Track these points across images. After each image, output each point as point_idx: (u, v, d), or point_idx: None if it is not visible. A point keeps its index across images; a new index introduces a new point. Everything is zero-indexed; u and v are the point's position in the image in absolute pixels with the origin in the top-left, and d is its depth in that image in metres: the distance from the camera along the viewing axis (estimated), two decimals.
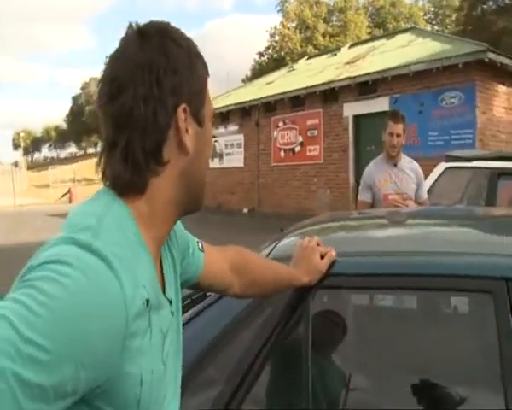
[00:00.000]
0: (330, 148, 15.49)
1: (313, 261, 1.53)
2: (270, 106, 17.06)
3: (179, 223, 1.13)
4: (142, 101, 0.87)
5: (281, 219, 15.44)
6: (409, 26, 35.59)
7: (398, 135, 4.02)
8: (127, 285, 0.78)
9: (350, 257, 1.63)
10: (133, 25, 0.93)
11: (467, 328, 1.91)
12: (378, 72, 13.67)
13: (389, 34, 21.08)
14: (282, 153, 17.16)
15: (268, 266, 1.48)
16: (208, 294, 1.73)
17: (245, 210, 17.22)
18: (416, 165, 4.19)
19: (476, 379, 1.58)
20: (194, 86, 0.94)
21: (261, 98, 17.38)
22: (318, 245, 1.60)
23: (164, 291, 0.97)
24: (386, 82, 13.50)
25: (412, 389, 1.54)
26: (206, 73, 1.00)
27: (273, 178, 17.43)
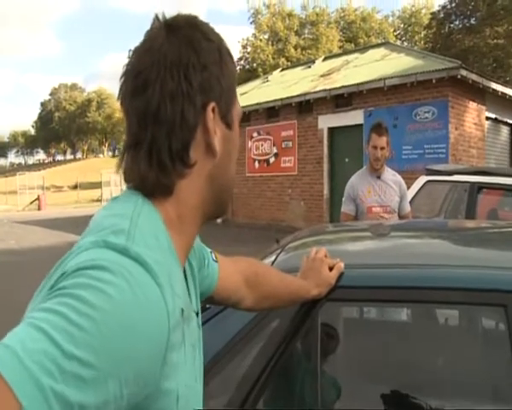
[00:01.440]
0: (305, 159, 15.57)
1: (322, 273, 1.51)
2: (244, 116, 17.08)
3: None
4: (169, 97, 0.82)
5: (255, 230, 15.44)
6: (379, 41, 36.25)
7: (381, 148, 4.02)
8: (167, 294, 0.72)
9: (357, 269, 1.63)
10: (159, 17, 0.88)
11: (478, 342, 1.92)
12: (353, 85, 13.81)
13: (362, 48, 21.41)
14: (257, 164, 17.19)
15: (280, 278, 1.44)
16: (208, 305, 1.69)
17: (218, 220, 17.15)
18: (399, 178, 4.20)
19: (489, 394, 1.59)
20: (224, 84, 0.89)
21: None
22: (326, 256, 1.59)
23: (190, 302, 0.93)
24: (362, 95, 13.66)
25: (427, 403, 1.53)
26: (235, 71, 0.96)
27: (247, 188, 17.43)
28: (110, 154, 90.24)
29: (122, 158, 0.88)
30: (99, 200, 34.42)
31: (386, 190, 4.07)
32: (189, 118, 0.84)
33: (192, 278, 1.01)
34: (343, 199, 4.23)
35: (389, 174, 4.17)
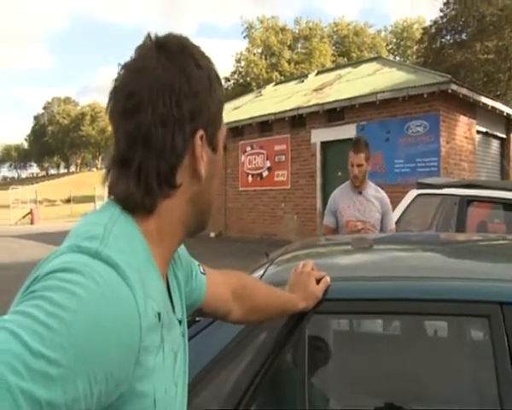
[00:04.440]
0: (298, 173, 15.60)
1: (309, 287, 1.53)
2: (237, 131, 17.13)
3: (183, 246, 1.11)
4: (160, 123, 0.84)
5: (248, 244, 15.40)
6: (372, 55, 36.55)
7: (358, 165, 3.99)
8: (139, 295, 0.75)
9: (345, 282, 1.64)
10: (151, 35, 0.90)
11: (465, 352, 1.94)
12: (346, 99, 13.88)
13: (355, 63, 21.58)
14: (250, 177, 17.20)
15: (269, 291, 1.46)
16: (197, 318, 1.70)
17: (212, 234, 17.13)
18: (382, 194, 4.15)
19: (473, 402, 1.60)
20: (213, 110, 0.92)
21: (229, 123, 17.47)
22: (313, 269, 1.60)
23: (173, 310, 0.95)
24: (354, 109, 13.73)
25: None
26: (223, 95, 0.98)
27: (241, 202, 17.43)
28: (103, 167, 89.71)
29: (108, 172, 0.90)
30: None
31: (366, 206, 4.04)
32: (179, 144, 0.86)
33: (177, 287, 1.03)
34: (325, 211, 4.27)
35: (371, 190, 4.13)
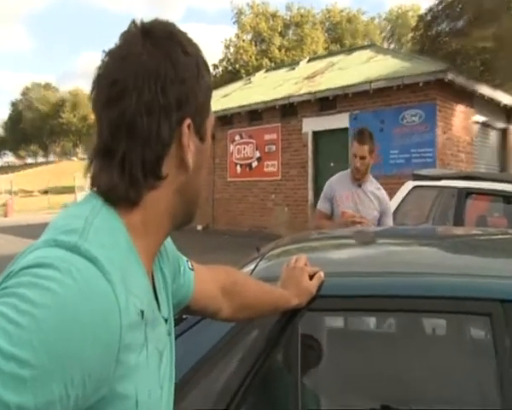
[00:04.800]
0: (289, 164, 15.61)
1: (302, 283, 1.52)
2: (226, 119, 17.08)
3: (170, 240, 1.10)
4: (145, 110, 0.84)
5: (237, 238, 15.39)
6: (365, 42, 36.57)
7: (362, 157, 3.94)
8: (119, 291, 0.73)
9: (340, 278, 1.64)
10: (137, 21, 0.90)
11: (465, 351, 1.94)
12: (339, 88, 13.89)
13: (348, 50, 21.54)
14: (239, 168, 17.19)
15: (260, 287, 1.46)
16: (185, 316, 1.68)
17: (199, 227, 17.10)
18: (382, 193, 4.10)
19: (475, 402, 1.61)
20: (200, 99, 0.92)
21: (217, 111, 17.42)
22: (306, 265, 1.60)
23: (159, 308, 0.95)
24: (347, 98, 13.74)
25: None
26: (211, 82, 0.98)
27: (229, 193, 17.41)
28: (85, 157, 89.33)
29: (90, 163, 0.89)
30: None
31: (364, 201, 3.99)
32: (165, 133, 0.86)
33: (163, 284, 1.03)
34: (320, 196, 4.22)
35: (372, 186, 4.09)
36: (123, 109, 0.84)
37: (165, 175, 0.88)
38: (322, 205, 4.14)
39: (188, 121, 0.89)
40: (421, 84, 12.18)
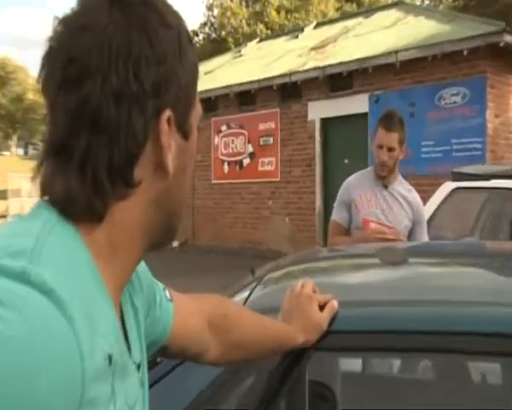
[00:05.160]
0: (291, 161, 15.63)
1: (310, 314, 1.55)
2: (209, 103, 17.07)
3: (143, 263, 1.11)
4: (113, 98, 0.82)
5: (223, 256, 15.36)
6: (390, 0, 36.64)
7: (390, 149, 3.89)
8: (82, 330, 0.72)
9: (358, 308, 1.66)
10: None
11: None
12: (355, 61, 13.90)
13: (367, 11, 21.54)
14: (226, 166, 17.19)
15: (256, 321, 1.48)
16: (160, 359, 1.70)
17: (175, 243, 17.05)
18: (415, 196, 4.07)
19: None
20: (184, 84, 0.91)
21: (198, 93, 17.33)
22: (314, 291, 1.62)
23: (129, 352, 0.94)
24: (366, 75, 13.76)
25: None
26: (197, 62, 0.98)
27: (214, 200, 17.40)
28: (20, 151, 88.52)
29: (41, 163, 0.87)
30: (3, 216, 31.13)
31: (393, 207, 3.94)
32: (138, 128, 0.85)
33: (135, 321, 1.03)
34: (335, 204, 4.16)
35: (402, 188, 4.06)
36: (84, 96, 0.82)
37: (139, 181, 0.87)
38: (338, 214, 4.08)
39: (167, 113, 0.88)
40: (465, 53, 12.01)
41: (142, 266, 1.12)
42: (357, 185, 4.05)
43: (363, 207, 3.95)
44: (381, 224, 3.87)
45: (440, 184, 6.16)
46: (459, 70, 12.36)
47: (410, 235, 3.96)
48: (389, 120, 3.96)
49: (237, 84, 16.63)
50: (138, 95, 0.85)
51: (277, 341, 1.50)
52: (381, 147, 3.91)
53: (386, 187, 3.99)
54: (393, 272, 2.26)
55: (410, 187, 4.11)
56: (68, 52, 0.84)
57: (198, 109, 1.00)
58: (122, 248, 0.89)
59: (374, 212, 3.93)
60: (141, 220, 0.91)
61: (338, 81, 14.47)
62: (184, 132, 0.94)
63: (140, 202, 0.90)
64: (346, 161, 14.06)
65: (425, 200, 5.49)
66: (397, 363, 2.33)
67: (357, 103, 13.99)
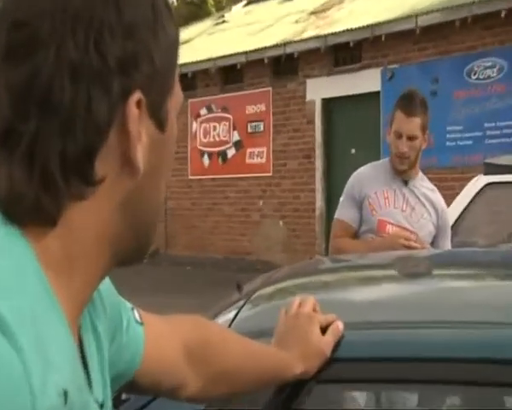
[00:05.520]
0: (285, 152, 15.64)
1: (311, 338, 1.55)
2: (186, 81, 17.03)
3: (108, 280, 1.10)
4: (68, 72, 0.80)
5: (203, 269, 15.32)
6: None
7: (411, 137, 3.85)
8: (32, 362, 0.71)
9: (368, 331, 1.67)
10: None
11: None
12: (364, 28, 13.90)
13: None
14: (207, 159, 17.19)
15: (244, 348, 1.49)
16: (126, 396, 1.71)
17: None
18: (439, 198, 4.07)
19: None
20: (159, 62, 0.89)
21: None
22: (315, 311, 1.63)
23: (90, 388, 0.93)
24: (378, 44, 13.78)
25: None
26: (177, 35, 0.97)
27: (191, 200, 17.39)
28: None
29: None
30: None
31: (415, 208, 3.93)
32: (99, 111, 0.83)
33: (97, 350, 1.02)
34: (341, 199, 4.12)
35: (424, 186, 4.07)
36: (33, 69, 0.80)
37: (101, 178, 0.85)
38: (346, 213, 4.02)
39: (137, 95, 0.85)
40: (502, 15, 11.98)
41: (106, 282, 1.09)
42: (371, 179, 4.01)
43: (379, 205, 3.91)
44: (402, 227, 3.84)
45: (470, 179, 6.17)
46: (494, 36, 12.33)
47: (434, 243, 3.94)
48: (410, 102, 3.92)
49: (220, 58, 16.64)
50: (100, 70, 0.82)
51: (270, 371, 1.51)
52: (399, 136, 3.86)
53: (406, 183, 3.96)
54: (412, 286, 2.27)
55: (433, 187, 4.11)
56: (15, 15, 0.83)
57: (178, 95, 0.98)
58: (81, 260, 0.87)
59: (392, 212, 3.90)
60: (104, 228, 0.89)
61: (343, 53, 14.52)
62: (159, 121, 0.92)
63: (103, 205, 0.88)
64: (354, 151, 14.09)
65: (451, 198, 5.50)
66: (416, 398, 2.33)
67: (367, 80, 14.00)
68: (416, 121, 3.86)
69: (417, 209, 3.92)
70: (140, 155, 0.87)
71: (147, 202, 0.95)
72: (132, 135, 0.85)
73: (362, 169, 4.14)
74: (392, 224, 3.86)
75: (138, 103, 0.86)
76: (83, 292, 0.91)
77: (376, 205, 3.90)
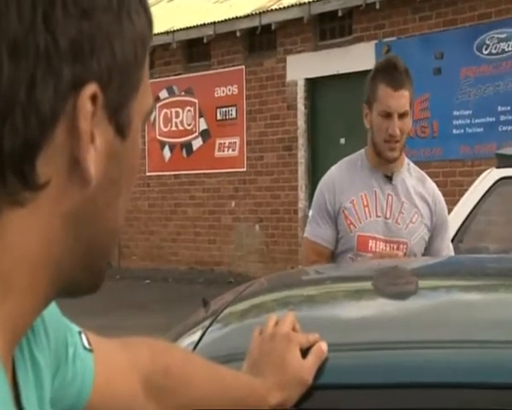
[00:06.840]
0: (262, 143, 15.66)
1: (289, 363, 1.58)
2: None
3: (53, 304, 1.08)
4: (8, 48, 0.78)
5: (165, 284, 15.30)
6: None
7: (401, 114, 3.80)
8: None
9: (355, 352, 1.70)
10: None
11: None
12: None
13: None
14: (168, 152, 17.17)
15: (211, 375, 1.51)
16: None
17: None
18: (432, 187, 4.04)
19: None
20: (120, 53, 0.87)
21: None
22: (294, 330, 1.66)
23: None
24: (371, 13, 13.84)
25: None
26: (149, 29, 0.97)
27: (149, 200, 17.37)
28: None
29: None
30: None
31: (402, 211, 3.86)
32: (44, 99, 0.80)
33: (35, 387, 1.01)
34: (310, 213, 4.10)
35: (411, 176, 4.01)
36: None
37: (44, 182, 0.82)
38: (318, 231, 3.95)
39: (92, 88, 0.82)
40: None
41: (52, 307, 1.08)
42: (344, 182, 3.94)
43: (358, 218, 3.84)
44: (387, 241, 3.78)
45: (480, 173, 6.19)
46: (510, 3, 12.31)
47: (429, 247, 3.91)
48: (395, 73, 3.85)
49: (183, 30, 16.64)
50: (48, 51, 0.79)
51: (241, 402, 1.52)
52: (387, 115, 3.80)
53: (389, 179, 3.89)
54: (404, 302, 2.29)
55: (423, 174, 4.04)
56: None
57: (145, 101, 0.97)
58: (16, 279, 0.85)
59: (374, 224, 3.84)
60: (45, 244, 0.86)
61: (331, 24, 14.54)
62: (119, 126, 0.89)
63: (45, 216, 0.85)
64: (343, 140, 14.12)
65: (458, 195, 5.52)
66: None
67: (359, 56, 13.96)
68: (406, 94, 3.82)
69: (405, 212, 3.86)
70: (91, 159, 0.83)
71: (100, 222, 0.92)
72: (82, 134, 0.82)
73: (333, 171, 4.09)
74: (375, 239, 3.81)
75: (93, 98, 0.82)
76: (19, 320, 0.88)
77: (354, 217, 3.84)
